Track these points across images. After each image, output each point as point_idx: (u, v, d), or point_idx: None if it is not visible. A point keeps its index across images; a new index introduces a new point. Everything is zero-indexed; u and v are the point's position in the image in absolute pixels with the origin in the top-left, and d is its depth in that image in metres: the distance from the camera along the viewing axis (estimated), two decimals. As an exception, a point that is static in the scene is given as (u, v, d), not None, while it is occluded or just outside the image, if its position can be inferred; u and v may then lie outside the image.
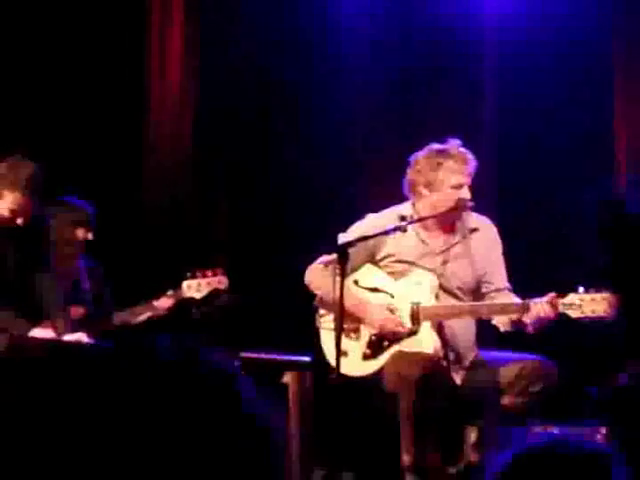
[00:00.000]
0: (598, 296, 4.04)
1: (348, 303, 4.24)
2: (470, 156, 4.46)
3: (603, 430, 4.41)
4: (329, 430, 4.51)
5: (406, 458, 4.26)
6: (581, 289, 4.11)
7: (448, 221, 4.50)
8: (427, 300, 4.40)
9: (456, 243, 4.51)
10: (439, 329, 4.39)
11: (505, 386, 4.31)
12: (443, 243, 4.51)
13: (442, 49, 6.23)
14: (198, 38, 6.65)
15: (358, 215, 4.68)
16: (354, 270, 4.45)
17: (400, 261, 4.48)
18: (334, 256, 4.19)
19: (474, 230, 4.53)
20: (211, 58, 6.61)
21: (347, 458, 4.74)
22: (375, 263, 4.52)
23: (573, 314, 4.10)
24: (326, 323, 4.46)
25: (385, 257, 4.51)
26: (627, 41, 5.97)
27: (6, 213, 4.77)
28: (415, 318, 4.36)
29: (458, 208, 4.44)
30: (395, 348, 4.38)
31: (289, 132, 6.48)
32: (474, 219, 4.56)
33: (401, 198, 4.64)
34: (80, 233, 5.42)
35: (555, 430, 4.39)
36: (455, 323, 4.44)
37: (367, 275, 4.52)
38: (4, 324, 4.61)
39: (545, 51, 6.04)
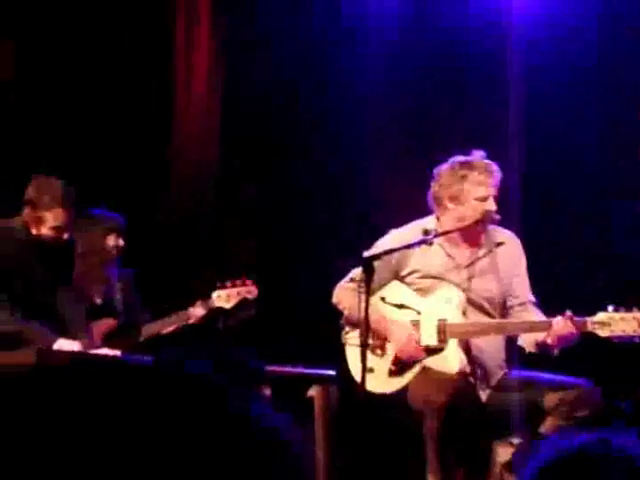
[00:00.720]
0: (629, 315, 3.99)
1: (373, 319, 4.22)
2: (495, 167, 4.44)
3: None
4: (355, 447, 4.49)
5: (432, 479, 4.24)
6: (610, 308, 4.06)
7: (474, 234, 4.48)
8: (454, 317, 4.36)
9: (482, 257, 4.48)
10: (466, 346, 4.36)
11: (549, 410, 4.24)
12: (469, 257, 4.48)
13: (465, 50, 6.21)
14: (224, 41, 6.69)
15: (385, 220, 4.67)
16: (380, 287, 4.42)
17: (426, 276, 4.45)
18: (359, 270, 4.18)
19: (500, 244, 4.50)
20: (237, 61, 6.64)
21: (373, 475, 4.72)
22: (401, 280, 4.50)
23: (602, 333, 4.04)
24: (352, 339, 4.43)
25: (410, 273, 4.47)
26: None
27: (52, 233, 4.84)
28: (442, 335, 4.32)
29: (484, 220, 4.41)
30: (421, 364, 4.35)
31: (316, 134, 6.49)
32: (500, 233, 4.54)
33: (421, 204, 4.61)
34: (110, 241, 5.47)
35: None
36: (483, 340, 4.40)
37: (394, 291, 4.50)
38: (31, 335, 4.64)
39: (573, 58, 5.99)
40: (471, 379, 4.35)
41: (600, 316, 4.09)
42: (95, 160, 6.22)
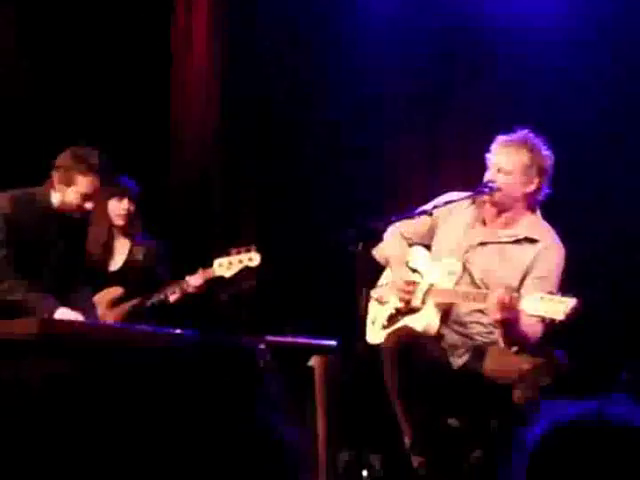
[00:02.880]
0: (557, 298, 4.05)
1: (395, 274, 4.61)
2: (501, 139, 4.50)
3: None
4: (356, 412, 4.54)
5: (407, 440, 4.33)
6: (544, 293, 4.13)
7: (496, 212, 4.53)
8: (445, 283, 4.48)
9: (500, 242, 4.51)
10: (444, 312, 4.47)
11: (515, 380, 4.28)
12: (488, 236, 4.53)
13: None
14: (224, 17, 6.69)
15: (386, 193, 4.68)
16: (420, 239, 4.70)
17: (443, 239, 4.62)
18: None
19: (531, 240, 4.49)
20: (237, 35, 6.64)
21: (374, 440, 4.77)
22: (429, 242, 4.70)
23: (528, 309, 4.10)
24: (375, 294, 4.70)
25: (439, 235, 4.66)
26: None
27: (76, 200, 4.83)
28: (425, 297, 4.50)
29: (484, 188, 4.47)
30: (403, 321, 4.52)
31: (319, 110, 6.51)
32: (541, 230, 4.53)
33: (428, 184, 4.67)
34: (111, 206, 5.50)
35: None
36: (462, 308, 4.48)
37: (414, 256, 4.70)
38: (34, 304, 4.67)
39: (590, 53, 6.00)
40: (443, 344, 4.45)
41: (534, 295, 4.14)
42: (96, 126, 6.23)
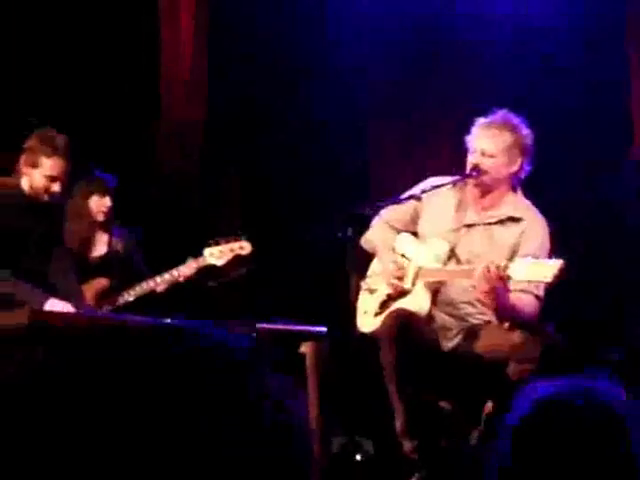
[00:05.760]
0: (542, 262, 4.08)
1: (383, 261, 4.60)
2: (481, 121, 4.50)
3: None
4: (347, 398, 4.54)
5: (398, 424, 4.31)
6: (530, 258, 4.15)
7: (479, 194, 4.54)
8: (432, 264, 4.50)
9: (487, 223, 4.52)
10: (434, 292, 4.48)
11: (508, 355, 4.28)
12: (473, 218, 4.53)
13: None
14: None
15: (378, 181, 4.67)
16: (405, 227, 4.69)
17: (428, 223, 4.60)
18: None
19: (515, 219, 4.51)
20: (221, 18, 6.63)
21: (365, 426, 4.78)
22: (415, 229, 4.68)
23: (516, 275, 4.12)
24: (365, 285, 4.67)
25: (424, 219, 4.65)
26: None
27: (42, 181, 4.81)
28: (414, 279, 4.49)
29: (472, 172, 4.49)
30: (393, 307, 4.50)
31: (303, 95, 6.50)
32: (524, 209, 4.54)
33: (414, 166, 4.66)
34: (92, 203, 5.48)
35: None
36: (453, 289, 4.48)
37: (401, 242, 4.68)
38: (23, 296, 4.65)
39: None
40: (434, 326, 4.46)
41: (518, 261, 4.17)
42: (80, 118, 6.19)
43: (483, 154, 4.46)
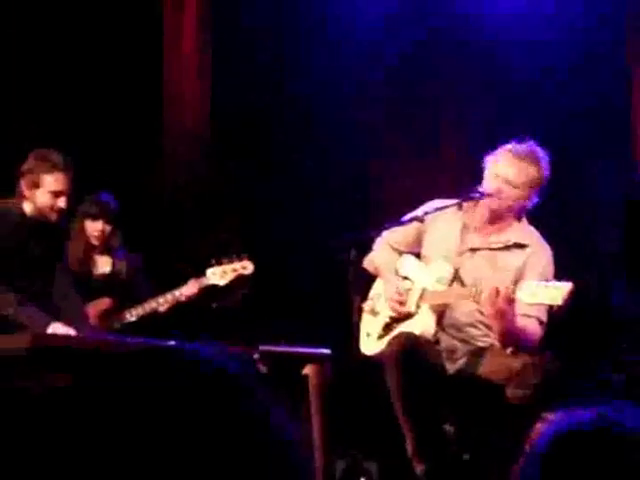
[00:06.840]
0: (552, 285, 4.06)
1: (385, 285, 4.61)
2: (512, 150, 4.45)
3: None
4: (350, 420, 4.52)
5: (409, 447, 4.29)
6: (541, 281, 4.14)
7: (488, 219, 4.52)
8: (436, 287, 4.49)
9: (491, 248, 4.51)
10: (439, 315, 4.47)
11: (507, 379, 4.27)
12: (478, 243, 4.52)
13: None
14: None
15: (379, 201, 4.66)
16: (408, 248, 4.68)
17: (432, 246, 4.59)
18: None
19: (522, 245, 4.49)
20: (224, 32, 6.66)
21: (369, 448, 4.75)
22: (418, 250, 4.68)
23: (525, 298, 4.10)
24: (367, 307, 4.67)
25: (427, 241, 4.63)
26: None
27: (48, 199, 4.79)
28: (419, 302, 4.50)
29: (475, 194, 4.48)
30: (398, 330, 4.50)
31: (304, 104, 6.51)
32: (530, 235, 4.53)
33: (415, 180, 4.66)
34: (88, 226, 5.47)
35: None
36: (458, 311, 4.47)
37: (404, 264, 4.67)
38: (26, 319, 4.64)
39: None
40: (439, 347, 4.44)
41: (527, 284, 4.16)
42: (84, 136, 6.20)
43: (507, 182, 4.40)
